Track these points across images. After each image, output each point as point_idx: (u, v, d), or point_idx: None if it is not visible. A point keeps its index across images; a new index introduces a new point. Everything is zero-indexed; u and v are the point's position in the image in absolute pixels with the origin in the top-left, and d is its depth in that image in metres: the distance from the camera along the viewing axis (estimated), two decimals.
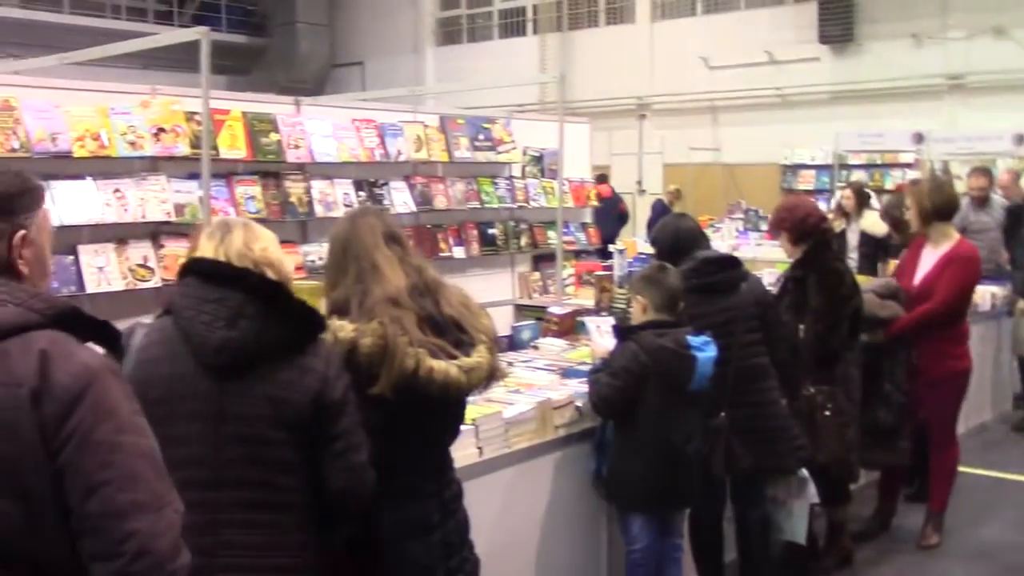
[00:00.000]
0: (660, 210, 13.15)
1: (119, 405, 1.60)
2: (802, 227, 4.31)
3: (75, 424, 1.54)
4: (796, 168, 14.16)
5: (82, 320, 1.68)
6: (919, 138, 12.68)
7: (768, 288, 4.31)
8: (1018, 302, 7.02)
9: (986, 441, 6.76)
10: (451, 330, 2.50)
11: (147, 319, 2.32)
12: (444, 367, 2.40)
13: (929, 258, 4.85)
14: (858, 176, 12.82)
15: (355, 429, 2.25)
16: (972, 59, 12.90)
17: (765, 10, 14.73)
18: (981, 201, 7.64)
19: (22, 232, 1.70)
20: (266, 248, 2.29)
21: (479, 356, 2.49)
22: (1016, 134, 11.98)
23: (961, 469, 5.21)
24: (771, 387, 3.98)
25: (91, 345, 1.70)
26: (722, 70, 14.64)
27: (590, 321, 4.58)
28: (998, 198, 7.86)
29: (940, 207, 4.82)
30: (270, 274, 2.25)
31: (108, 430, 1.56)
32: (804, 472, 4.05)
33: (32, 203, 1.73)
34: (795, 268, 4.34)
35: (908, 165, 12.60)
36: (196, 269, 2.25)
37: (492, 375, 2.55)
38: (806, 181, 14.02)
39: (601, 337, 4.07)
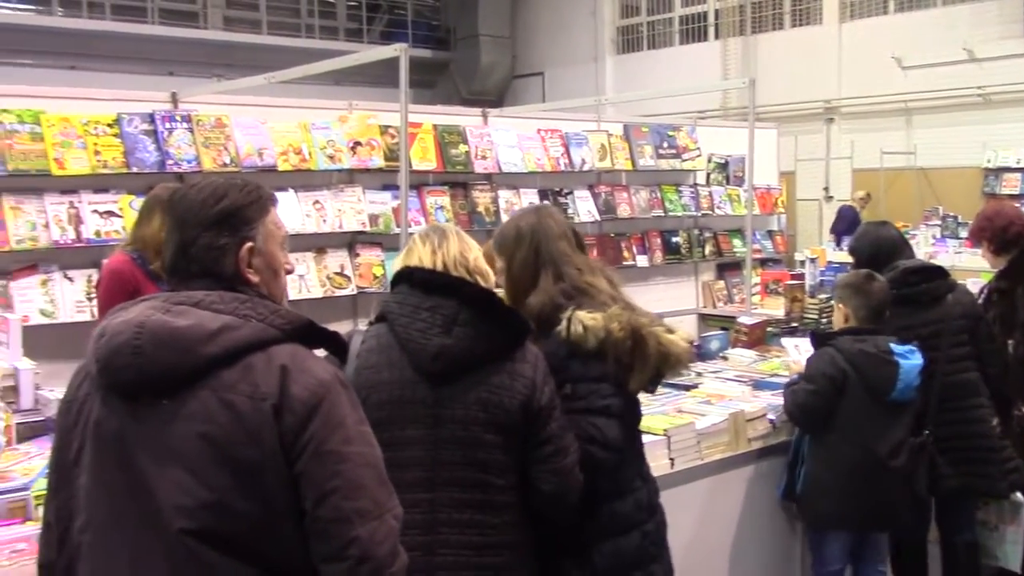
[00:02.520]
0: (850, 217, 12.69)
1: (347, 417, 1.71)
2: (1005, 236, 4.07)
3: (310, 435, 1.65)
4: (1000, 171, 13.33)
5: (316, 333, 1.80)
6: None
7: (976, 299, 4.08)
8: None
9: None
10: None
11: (363, 326, 2.41)
12: (681, 339, 2.47)
13: None
14: None
15: (563, 433, 2.29)
16: None
17: (965, 5, 13.95)
18: None
19: (248, 244, 1.79)
20: (478, 258, 2.39)
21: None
22: None
23: None
24: (981, 404, 3.77)
25: (321, 353, 1.82)
26: (916, 70, 13.96)
27: (788, 341, 4.45)
28: None
29: None
30: (481, 283, 2.33)
31: (337, 441, 1.67)
32: (1019, 496, 3.80)
33: (258, 213, 1.82)
34: (1000, 279, 4.09)
35: None
36: (411, 278, 2.32)
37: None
38: (1011, 185, 13.16)
39: (800, 355, 3.91)
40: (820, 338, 3.61)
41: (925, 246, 10.29)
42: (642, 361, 2.40)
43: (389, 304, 2.32)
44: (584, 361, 2.37)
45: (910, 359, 3.40)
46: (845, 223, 12.33)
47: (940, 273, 3.96)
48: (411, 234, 2.74)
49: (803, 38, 15.69)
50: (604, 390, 2.38)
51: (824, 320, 5.41)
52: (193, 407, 1.63)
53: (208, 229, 1.76)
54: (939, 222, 11.59)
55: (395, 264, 2.45)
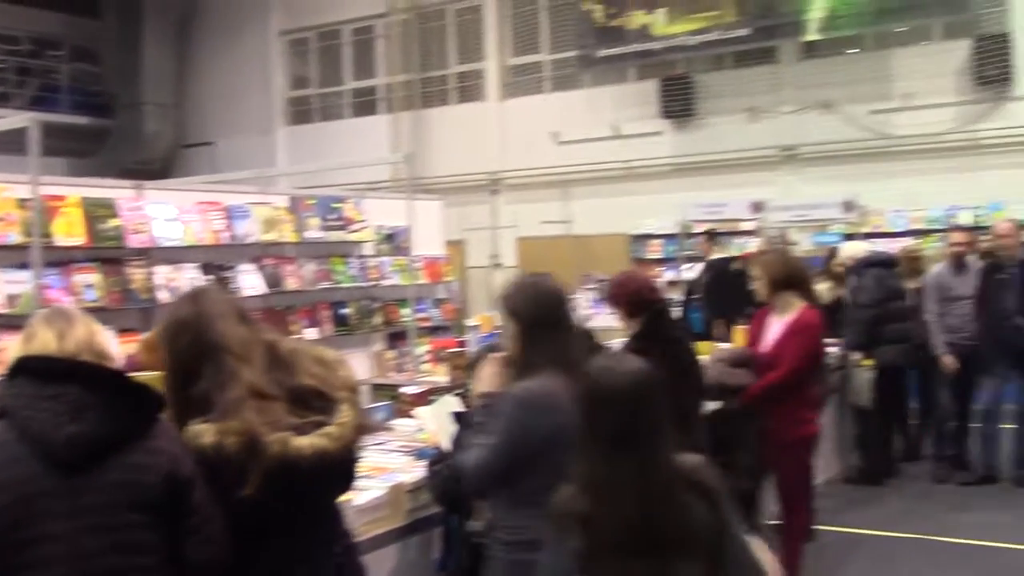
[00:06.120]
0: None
1: None
2: (635, 300, 4.43)
3: None
4: (644, 238, 14.61)
5: None
6: (758, 207, 13.30)
7: None
8: (851, 355, 7.39)
9: (835, 495, 7.02)
10: (312, 399, 2.50)
11: None
12: (310, 442, 2.40)
13: (776, 326, 5.04)
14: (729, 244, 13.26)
15: (207, 501, 2.29)
16: (803, 132, 13.68)
17: (609, 87, 15.28)
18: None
19: None
20: (104, 340, 2.34)
21: (344, 416, 2.49)
22: (844, 201, 12.71)
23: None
24: None
25: None
26: (571, 145, 15.06)
27: (423, 410, 4.04)
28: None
29: (785, 277, 5.04)
30: (105, 364, 2.28)
31: None
32: None
33: None
34: (635, 341, 4.41)
35: (749, 233, 13.16)
36: (29, 367, 2.22)
37: (359, 430, 2.55)
38: (654, 250, 14.46)
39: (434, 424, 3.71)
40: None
41: (584, 309, 10.99)
42: (256, 469, 2.32)
43: (5, 399, 2.19)
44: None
45: None
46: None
47: (588, 336, 4.23)
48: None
49: (469, 114, 16.46)
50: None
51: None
52: None
53: None
54: (595, 286, 12.44)
55: (14, 350, 2.30)
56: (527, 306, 3.10)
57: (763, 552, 2.54)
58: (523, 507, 2.96)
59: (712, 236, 10.56)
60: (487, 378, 3.28)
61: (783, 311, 5.03)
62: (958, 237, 7.82)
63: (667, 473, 2.35)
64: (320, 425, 2.46)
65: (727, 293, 9.10)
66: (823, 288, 8.17)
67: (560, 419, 2.84)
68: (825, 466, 7.23)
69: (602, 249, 14.12)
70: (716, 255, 10.17)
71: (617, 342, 4.91)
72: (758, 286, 5.15)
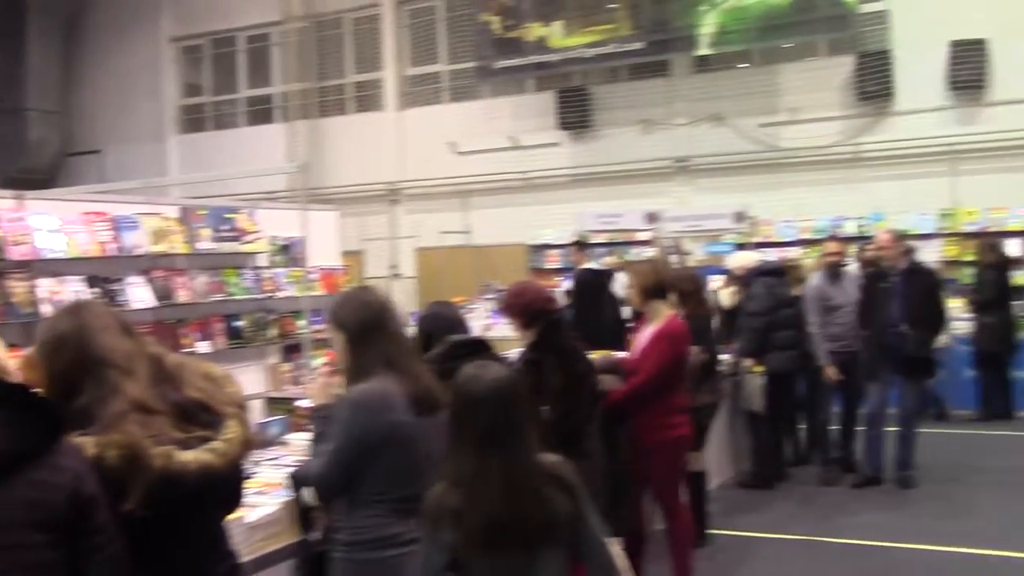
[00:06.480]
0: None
1: None
2: (529, 311, 4.46)
3: None
4: (542, 248, 14.72)
5: None
6: (652, 217, 13.53)
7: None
8: (743, 362, 7.57)
9: (727, 499, 7.17)
10: (199, 413, 2.46)
11: None
12: (194, 456, 2.36)
13: (645, 334, 5.14)
14: (599, 253, 13.48)
15: (111, 520, 2.23)
16: (695, 144, 13.99)
17: (508, 98, 15.38)
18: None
19: None
20: (3, 353, 2.30)
21: (231, 431, 2.46)
22: (736, 212, 13.03)
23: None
24: None
25: None
26: (470, 155, 15.10)
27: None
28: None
29: (655, 286, 5.14)
30: (5, 379, 2.21)
31: None
32: None
33: None
34: (530, 351, 4.45)
35: (644, 243, 13.38)
36: None
37: (246, 446, 2.53)
38: (552, 260, 14.58)
39: None
40: None
41: (483, 319, 11.01)
42: (138, 483, 2.28)
43: None
44: None
45: None
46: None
47: (483, 346, 4.24)
48: None
49: (367, 123, 16.36)
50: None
51: None
52: None
53: None
54: (494, 295, 12.48)
55: None
56: (353, 316, 3.19)
57: (614, 546, 2.76)
58: (363, 507, 3.05)
59: (582, 246, 10.81)
60: (318, 391, 3.39)
61: (653, 319, 5.13)
62: (832, 247, 8.05)
63: (530, 468, 2.61)
64: (206, 440, 2.42)
65: (592, 302, 9.34)
66: (725, 293, 8.39)
67: (395, 417, 3.01)
68: (718, 471, 7.40)
69: (501, 259, 14.17)
70: (585, 264, 10.43)
71: (514, 352, 4.95)
72: (630, 295, 5.24)
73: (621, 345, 5.76)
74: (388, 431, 3.02)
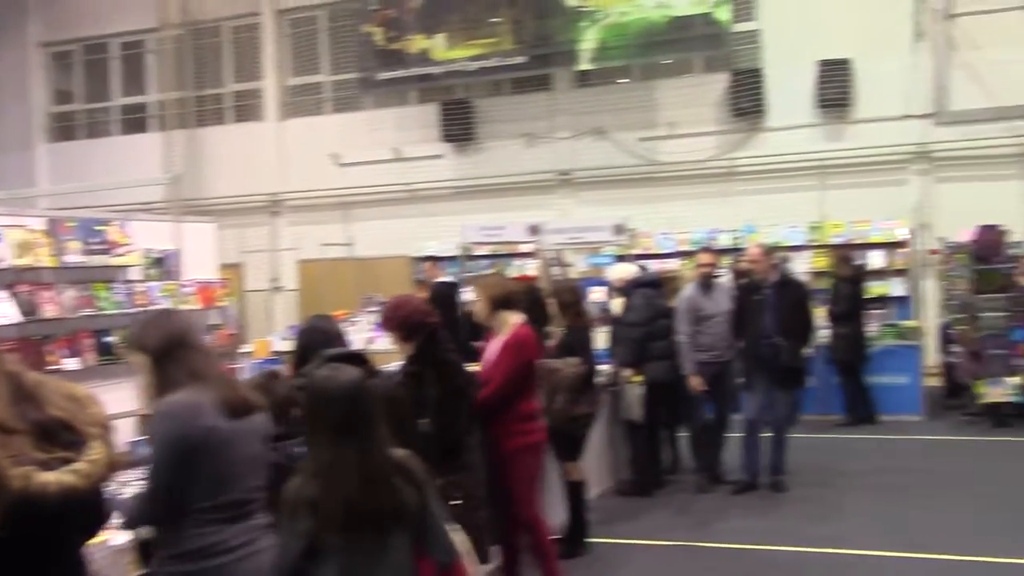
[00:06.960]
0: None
1: None
2: (408, 324, 4.47)
3: None
4: (426, 260, 14.68)
5: None
6: (535, 229, 13.67)
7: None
8: (622, 372, 7.71)
9: (606, 508, 7.29)
10: (61, 433, 2.37)
11: None
12: (56, 478, 2.27)
13: (494, 345, 5.20)
14: (482, 266, 13.56)
15: None
16: (577, 157, 14.22)
17: (391, 110, 15.34)
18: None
19: None
20: None
21: (95, 453, 2.38)
22: (615, 224, 13.26)
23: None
24: None
25: None
26: (352, 167, 14.99)
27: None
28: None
29: (502, 298, 5.21)
30: None
31: None
32: None
33: None
34: (411, 364, 4.46)
35: (527, 255, 13.50)
36: None
37: (111, 467, 2.44)
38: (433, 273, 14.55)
39: None
40: None
41: (365, 332, 10.91)
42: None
43: None
44: None
45: None
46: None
47: (360, 360, 4.21)
48: None
49: (246, 133, 16.09)
50: None
51: None
52: None
53: None
54: (376, 308, 12.39)
55: None
56: (154, 336, 3.12)
57: (458, 535, 3.04)
58: (185, 517, 2.98)
59: (436, 260, 11.04)
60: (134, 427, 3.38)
61: (500, 330, 5.19)
62: (705, 258, 8.27)
63: (381, 459, 2.86)
64: (68, 461, 2.34)
65: (445, 315, 9.48)
66: (617, 303, 8.53)
67: (207, 422, 2.97)
68: (597, 480, 7.51)
69: (384, 271, 14.11)
70: (440, 278, 10.64)
71: (394, 365, 4.94)
72: (477, 307, 5.30)
73: (473, 356, 5.80)
74: (202, 436, 2.95)
